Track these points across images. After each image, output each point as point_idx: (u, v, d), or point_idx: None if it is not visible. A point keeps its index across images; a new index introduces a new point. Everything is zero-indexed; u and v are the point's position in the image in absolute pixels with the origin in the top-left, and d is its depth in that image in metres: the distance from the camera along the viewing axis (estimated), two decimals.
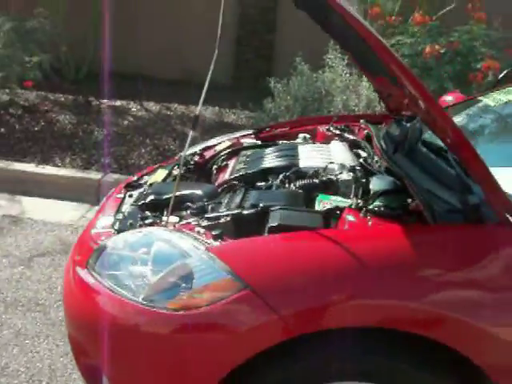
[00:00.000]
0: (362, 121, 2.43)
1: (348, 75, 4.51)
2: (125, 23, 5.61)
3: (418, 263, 1.31)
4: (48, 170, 3.83)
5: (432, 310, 1.27)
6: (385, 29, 4.90)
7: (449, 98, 2.92)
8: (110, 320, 1.52)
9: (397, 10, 5.03)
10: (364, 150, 2.14)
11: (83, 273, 1.62)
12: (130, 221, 1.79)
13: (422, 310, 1.28)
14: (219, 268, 1.38)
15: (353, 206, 1.58)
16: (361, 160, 2.01)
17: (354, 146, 2.25)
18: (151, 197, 1.94)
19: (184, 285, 1.42)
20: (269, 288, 1.31)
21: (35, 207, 3.47)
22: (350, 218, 1.51)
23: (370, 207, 1.53)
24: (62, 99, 5.25)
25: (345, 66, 4.53)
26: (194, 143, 2.55)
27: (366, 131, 2.26)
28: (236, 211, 1.65)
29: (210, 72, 1.61)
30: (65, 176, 3.78)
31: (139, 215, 1.83)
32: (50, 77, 5.12)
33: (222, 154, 2.38)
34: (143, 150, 4.31)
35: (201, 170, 2.33)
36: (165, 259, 1.49)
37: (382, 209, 1.50)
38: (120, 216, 1.87)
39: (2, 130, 4.39)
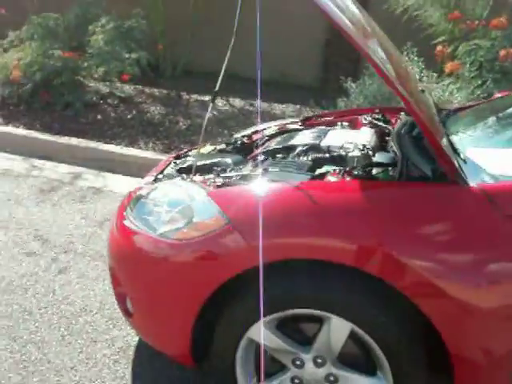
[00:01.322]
0: (402, 113, 2.69)
1: (421, 78, 4.69)
2: (221, 27, 6.16)
3: (363, 208, 1.60)
4: (132, 151, 4.40)
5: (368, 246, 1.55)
6: (465, 33, 5.02)
7: None
8: (133, 251, 1.94)
9: (485, 15, 5.11)
10: (388, 136, 2.42)
11: (124, 215, 2.06)
12: (165, 178, 2.22)
13: (362, 247, 1.56)
14: (212, 208, 1.76)
15: (337, 171, 1.89)
16: (376, 142, 2.30)
17: (381, 132, 2.52)
18: (188, 163, 2.37)
19: (187, 221, 1.81)
20: (244, 224, 1.67)
21: (117, 182, 4.04)
22: (330, 177, 1.82)
23: (351, 171, 1.84)
24: (156, 93, 5.90)
25: (416, 66, 4.73)
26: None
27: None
28: (244, 172, 2.02)
29: (225, 63, 1.99)
30: (146, 157, 4.32)
31: (174, 175, 2.26)
32: (147, 73, 5.75)
33: (266, 135, 2.75)
34: (219, 140, 4.77)
35: (246, 149, 2.71)
36: (176, 202, 1.90)
37: (357, 172, 1.80)
38: (160, 175, 2.31)
39: (99, 116, 5.07)
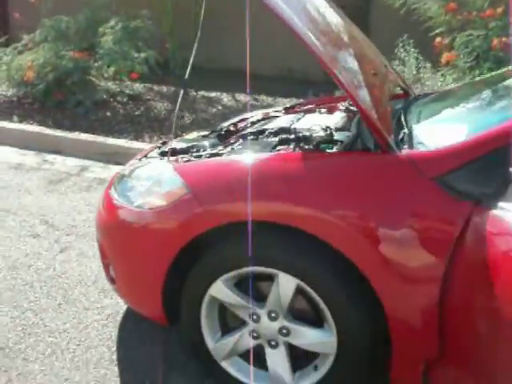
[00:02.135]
0: None
1: (418, 68, 4.86)
2: (230, 25, 6.42)
3: (301, 174, 1.83)
4: (137, 145, 4.69)
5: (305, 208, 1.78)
6: (462, 24, 5.17)
7: None
8: (115, 222, 2.20)
9: (486, 6, 5.25)
10: None
11: (109, 192, 2.33)
12: (149, 161, 2.48)
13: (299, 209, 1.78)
14: (177, 180, 2.01)
15: (291, 147, 2.11)
16: (343, 124, 2.52)
17: (352, 116, 2.73)
18: (169, 147, 2.62)
19: (156, 193, 2.06)
20: (201, 191, 1.91)
21: None
22: (283, 152, 2.06)
23: (302, 147, 2.07)
24: (164, 90, 6.19)
25: (415, 60, 4.90)
26: None
27: None
28: (212, 151, 2.27)
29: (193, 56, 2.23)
30: None
31: (155, 157, 2.51)
32: (156, 71, 6.04)
33: (249, 122, 2.98)
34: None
35: (228, 135, 2.95)
36: (149, 178, 2.16)
37: (307, 147, 2.03)
38: (143, 158, 2.57)
39: (108, 113, 5.38)
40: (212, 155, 2.22)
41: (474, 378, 1.69)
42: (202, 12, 2.30)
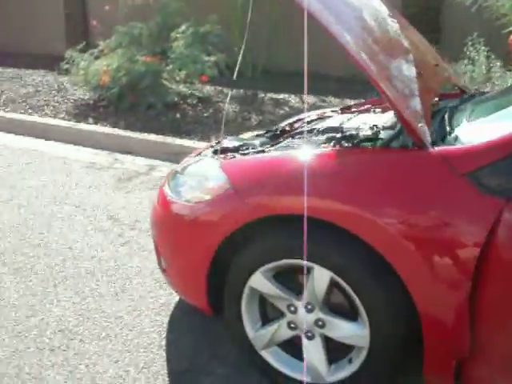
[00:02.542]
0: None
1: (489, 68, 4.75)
2: (297, 28, 6.52)
3: (337, 171, 1.89)
4: (202, 145, 4.85)
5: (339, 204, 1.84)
6: None
7: None
8: (166, 216, 2.35)
9: None
10: None
11: (163, 188, 2.48)
12: (201, 158, 2.62)
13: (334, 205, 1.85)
14: (221, 176, 2.12)
15: (330, 144, 2.17)
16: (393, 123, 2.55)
17: None
18: (222, 145, 2.75)
19: (203, 188, 2.19)
20: (242, 187, 2.02)
21: None
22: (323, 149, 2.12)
23: (341, 144, 2.12)
24: (234, 93, 6.37)
25: (486, 59, 4.79)
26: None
27: None
28: (258, 149, 2.37)
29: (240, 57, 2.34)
30: None
31: (208, 155, 2.65)
32: (226, 74, 6.22)
33: (304, 122, 3.07)
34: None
35: (283, 134, 3.05)
36: (198, 173, 2.29)
37: (346, 144, 2.09)
38: (197, 157, 2.71)
39: (178, 115, 5.61)
40: (257, 152, 2.32)
41: (506, 375, 1.69)
42: (250, 15, 2.39)
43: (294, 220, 1.92)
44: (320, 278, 1.93)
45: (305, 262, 1.90)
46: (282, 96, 6.24)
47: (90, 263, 3.04)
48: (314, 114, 3.21)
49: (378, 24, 2.46)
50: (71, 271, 2.97)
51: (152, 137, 5.04)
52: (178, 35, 5.97)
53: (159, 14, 6.04)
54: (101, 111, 5.75)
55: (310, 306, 2.00)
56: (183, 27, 5.95)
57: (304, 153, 2.07)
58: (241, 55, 2.41)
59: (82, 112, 5.75)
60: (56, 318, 2.57)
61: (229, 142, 2.72)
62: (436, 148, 1.81)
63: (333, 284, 1.94)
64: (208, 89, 6.32)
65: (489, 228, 1.64)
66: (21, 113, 5.79)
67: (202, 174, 2.25)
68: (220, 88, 6.43)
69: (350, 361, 2.01)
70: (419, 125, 1.85)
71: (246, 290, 2.10)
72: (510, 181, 1.64)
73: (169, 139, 5.02)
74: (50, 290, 2.79)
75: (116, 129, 5.28)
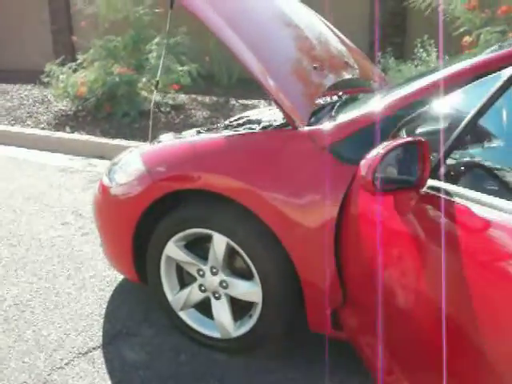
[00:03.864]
0: None
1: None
2: None
3: (229, 150, 2.27)
4: None
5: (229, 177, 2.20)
6: (485, 21, 5.36)
7: None
8: (100, 199, 2.73)
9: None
10: None
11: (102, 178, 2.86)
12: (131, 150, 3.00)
13: (225, 178, 2.21)
14: (138, 160, 2.51)
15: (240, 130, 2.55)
16: None
17: None
18: (156, 140, 3.13)
19: (127, 172, 2.57)
20: (152, 168, 2.40)
21: None
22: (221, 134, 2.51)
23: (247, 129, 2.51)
24: (207, 100, 6.78)
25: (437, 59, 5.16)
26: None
27: None
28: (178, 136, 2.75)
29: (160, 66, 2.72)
30: None
31: None
32: (199, 83, 6.64)
33: (243, 118, 3.44)
34: None
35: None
36: (125, 162, 2.67)
37: (247, 128, 2.47)
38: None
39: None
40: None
41: (371, 320, 2.01)
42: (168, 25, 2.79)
43: (196, 194, 2.30)
44: (218, 243, 2.30)
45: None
46: (252, 102, 6.63)
47: (50, 251, 3.43)
48: (257, 112, 3.57)
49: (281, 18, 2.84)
50: (32, 258, 3.35)
51: (123, 142, 5.45)
52: (153, 47, 6.38)
53: (132, 28, 6.46)
54: (79, 120, 6.18)
55: (214, 270, 2.37)
56: (157, 39, 6.36)
57: (204, 137, 2.45)
58: (161, 62, 2.76)
59: (62, 122, 6.18)
60: (13, 295, 2.95)
61: (166, 137, 3.11)
62: (305, 128, 2.18)
63: (230, 249, 2.30)
64: (182, 97, 6.73)
65: (344, 190, 2.00)
66: (4, 124, 6.22)
67: (128, 161, 2.63)
68: (194, 96, 6.84)
69: (251, 316, 2.36)
70: (291, 108, 2.22)
71: (163, 258, 2.47)
72: (355, 152, 1.99)
73: (140, 143, 5.41)
74: (11, 273, 3.17)
75: (92, 136, 5.69)
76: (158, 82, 2.96)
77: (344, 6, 7.02)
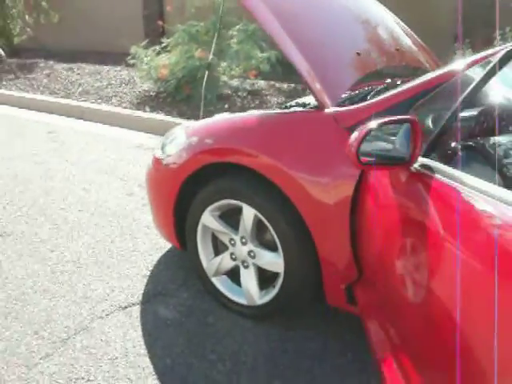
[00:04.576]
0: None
1: None
2: None
3: (258, 128, 2.43)
4: None
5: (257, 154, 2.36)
6: None
7: None
8: (153, 170, 2.98)
9: None
10: None
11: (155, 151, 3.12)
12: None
13: (254, 155, 2.37)
14: (182, 134, 2.73)
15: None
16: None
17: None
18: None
19: (174, 145, 2.80)
20: (192, 142, 2.61)
21: None
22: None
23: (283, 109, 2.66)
24: (285, 87, 6.95)
25: None
26: None
27: None
28: None
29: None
30: None
31: None
32: (277, 69, 6.80)
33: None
34: None
35: None
36: (174, 135, 2.90)
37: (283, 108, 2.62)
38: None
39: (226, 105, 6.28)
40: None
41: (384, 294, 2.10)
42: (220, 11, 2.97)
43: (231, 167, 2.49)
44: (247, 215, 2.48)
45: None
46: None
47: (112, 217, 3.75)
48: None
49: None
50: (94, 222, 3.69)
51: None
52: (234, 33, 6.62)
53: (215, 14, 6.72)
54: (160, 101, 6.54)
55: (243, 240, 2.55)
56: (238, 26, 6.59)
57: (242, 115, 2.63)
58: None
59: (143, 102, 6.57)
60: (72, 252, 3.29)
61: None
62: (331, 109, 2.30)
63: (258, 221, 2.47)
64: (261, 83, 6.93)
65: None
66: (91, 102, 6.71)
67: (176, 135, 2.86)
68: (273, 82, 7.02)
69: (274, 286, 2.53)
70: (320, 91, 2.35)
71: (200, 227, 2.69)
72: None
73: None
74: (74, 234, 3.52)
75: (169, 116, 6.02)
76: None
77: None
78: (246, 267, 2.59)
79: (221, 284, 2.71)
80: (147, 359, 2.39)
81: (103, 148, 5.36)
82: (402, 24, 3.54)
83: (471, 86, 1.63)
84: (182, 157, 2.65)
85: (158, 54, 6.70)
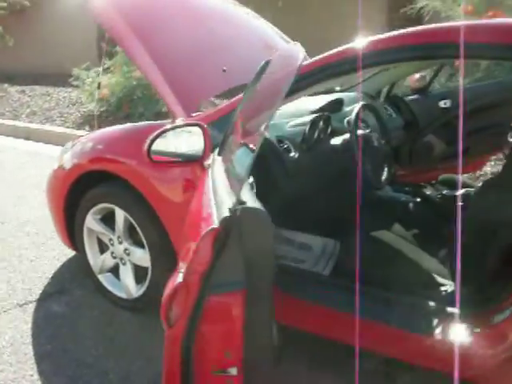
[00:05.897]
0: None
1: None
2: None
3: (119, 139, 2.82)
4: None
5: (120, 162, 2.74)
6: None
7: None
8: (49, 179, 3.36)
9: None
10: None
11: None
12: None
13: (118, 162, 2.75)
14: (70, 148, 3.12)
15: None
16: None
17: None
18: None
19: (64, 155, 3.18)
20: (75, 152, 3.00)
21: None
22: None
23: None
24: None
25: None
26: None
27: None
28: None
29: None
30: None
31: None
32: None
33: None
34: None
35: None
36: (64, 149, 3.29)
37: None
38: None
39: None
40: None
41: None
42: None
43: (105, 174, 2.87)
44: (119, 216, 2.85)
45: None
46: None
47: (31, 228, 4.12)
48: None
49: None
50: (14, 230, 4.05)
51: None
52: None
53: None
54: (102, 120, 6.93)
55: (120, 239, 2.92)
56: None
57: (113, 128, 3.01)
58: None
59: (86, 121, 6.97)
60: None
61: None
62: (181, 118, 2.68)
63: (128, 221, 2.84)
64: None
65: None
66: (36, 123, 7.10)
67: (66, 147, 3.23)
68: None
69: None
70: (173, 102, 2.72)
71: (85, 229, 3.05)
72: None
73: None
74: None
75: None
76: (99, 83, 3.54)
77: None
78: (124, 264, 2.95)
79: (105, 280, 3.07)
80: (30, 346, 2.74)
81: (40, 165, 5.73)
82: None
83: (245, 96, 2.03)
84: (67, 167, 3.02)
85: (98, 75, 7.10)
